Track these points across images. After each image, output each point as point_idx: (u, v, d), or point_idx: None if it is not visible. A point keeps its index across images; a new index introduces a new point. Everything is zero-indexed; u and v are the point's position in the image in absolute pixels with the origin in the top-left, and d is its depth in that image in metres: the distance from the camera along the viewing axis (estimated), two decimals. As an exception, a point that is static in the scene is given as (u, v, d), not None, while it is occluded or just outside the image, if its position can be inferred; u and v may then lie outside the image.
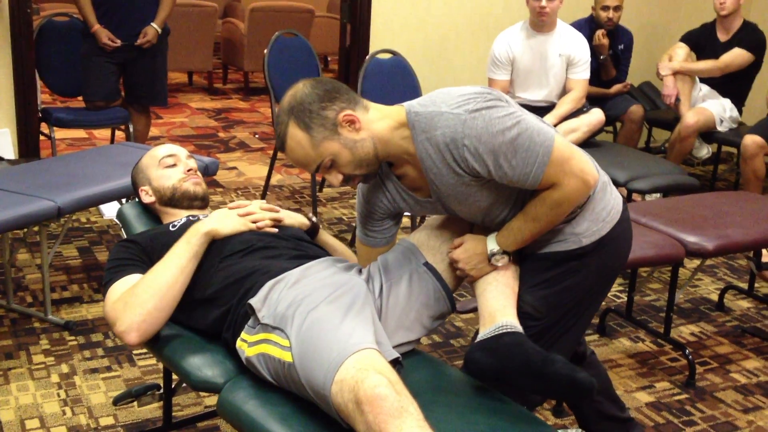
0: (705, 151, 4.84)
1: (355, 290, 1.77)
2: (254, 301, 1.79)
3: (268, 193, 4.66)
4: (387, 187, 1.90)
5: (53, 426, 2.43)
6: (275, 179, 4.96)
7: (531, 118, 1.73)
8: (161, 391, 2.26)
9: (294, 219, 2.14)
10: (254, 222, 2.03)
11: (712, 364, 3.02)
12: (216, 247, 1.95)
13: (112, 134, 5.02)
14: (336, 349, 1.54)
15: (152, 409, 2.50)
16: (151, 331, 1.85)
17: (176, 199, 2.21)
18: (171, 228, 2.08)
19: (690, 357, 2.91)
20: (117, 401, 2.28)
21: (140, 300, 1.83)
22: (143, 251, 2.01)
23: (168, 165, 2.25)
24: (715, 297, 3.58)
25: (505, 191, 1.80)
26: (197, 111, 6.91)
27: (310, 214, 2.20)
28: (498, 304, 1.80)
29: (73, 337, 2.96)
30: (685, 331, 3.28)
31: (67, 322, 3.03)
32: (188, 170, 2.24)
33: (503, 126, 1.67)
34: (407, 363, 1.76)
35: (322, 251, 2.06)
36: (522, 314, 1.84)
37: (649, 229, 2.87)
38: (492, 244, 1.84)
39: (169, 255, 1.90)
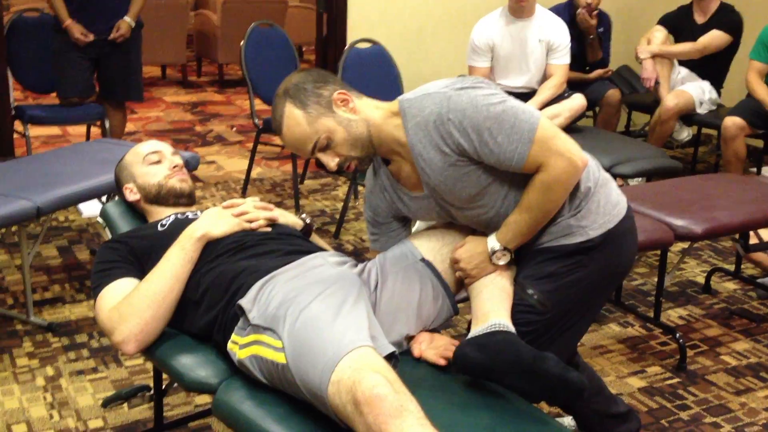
0: (685, 133, 4.84)
1: (348, 285, 1.73)
2: (244, 302, 1.74)
3: (248, 186, 4.60)
4: (385, 186, 1.90)
5: (41, 430, 2.38)
6: (255, 172, 4.90)
7: (515, 100, 1.74)
8: (151, 392, 2.22)
9: (288, 218, 2.10)
10: (249, 221, 1.98)
11: (702, 347, 3.02)
12: (207, 247, 1.91)
13: (88, 131, 4.94)
14: (330, 349, 1.51)
15: (142, 410, 2.45)
16: (148, 340, 1.82)
17: (162, 197, 2.16)
18: (160, 228, 2.03)
19: (681, 341, 2.91)
20: (106, 404, 2.24)
21: (136, 310, 1.79)
22: (131, 252, 1.96)
23: (153, 162, 2.20)
24: (701, 280, 3.59)
25: (495, 177, 1.77)
26: (172, 105, 6.82)
27: (304, 215, 2.16)
28: (492, 306, 1.78)
29: (56, 339, 2.91)
30: (673, 314, 3.28)
31: (50, 324, 2.97)
32: (174, 167, 2.19)
33: (488, 102, 1.68)
34: (405, 359, 1.73)
35: (315, 247, 2.02)
36: (526, 308, 1.82)
37: (637, 214, 2.82)
38: (492, 241, 1.82)
39: (164, 262, 1.86)
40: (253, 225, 1.98)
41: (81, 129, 5.29)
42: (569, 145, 1.73)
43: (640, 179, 3.99)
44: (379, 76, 4.30)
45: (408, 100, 1.77)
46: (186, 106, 6.80)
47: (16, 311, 3.08)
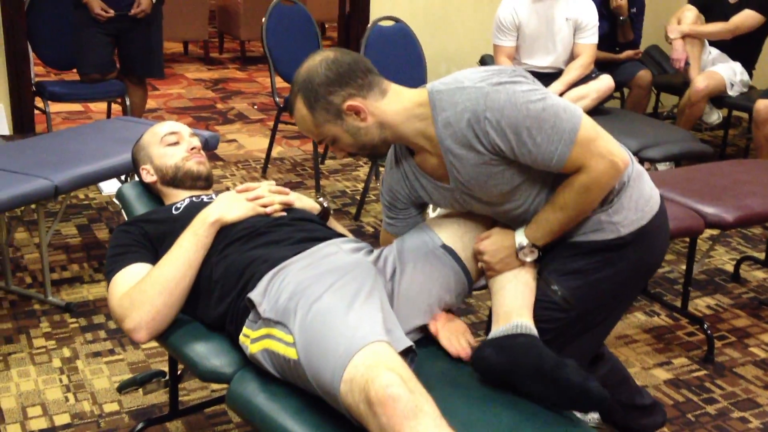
0: (716, 116, 4.72)
1: (362, 275, 1.67)
2: (254, 295, 1.69)
3: (269, 166, 4.55)
4: (406, 174, 1.83)
5: (56, 413, 2.36)
6: (276, 151, 4.85)
7: (556, 96, 1.64)
8: (167, 377, 2.19)
9: (304, 202, 2.05)
10: (264, 206, 1.93)
11: (730, 338, 2.95)
12: (220, 233, 1.86)
13: (108, 107, 4.91)
14: (343, 345, 1.45)
15: (158, 395, 2.42)
16: (160, 328, 1.78)
17: (179, 179, 2.11)
18: (174, 211, 1.98)
19: (708, 332, 2.83)
20: (121, 389, 2.21)
21: (148, 297, 1.75)
22: (145, 236, 1.92)
23: (170, 143, 2.15)
24: (730, 268, 3.50)
25: (528, 176, 1.69)
26: (194, 82, 6.77)
27: (321, 199, 2.10)
28: (515, 304, 1.71)
29: (74, 320, 2.88)
30: (701, 303, 3.20)
31: (67, 304, 2.95)
32: (191, 148, 2.14)
33: (527, 99, 1.58)
34: (422, 353, 1.67)
35: (331, 232, 1.96)
36: (550, 304, 1.75)
37: (666, 200, 2.74)
38: (521, 237, 1.75)
39: (176, 248, 1.81)
40: (268, 210, 1.92)
41: (103, 105, 5.26)
42: (611, 146, 1.64)
43: (668, 164, 3.89)
44: (401, 54, 4.22)
45: (439, 91, 1.66)
46: (207, 83, 6.75)
47: (34, 290, 3.06)
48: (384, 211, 1.95)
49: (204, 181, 2.12)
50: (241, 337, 1.70)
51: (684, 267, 2.98)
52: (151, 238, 1.92)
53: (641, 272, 1.86)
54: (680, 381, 2.66)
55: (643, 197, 1.79)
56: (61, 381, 2.51)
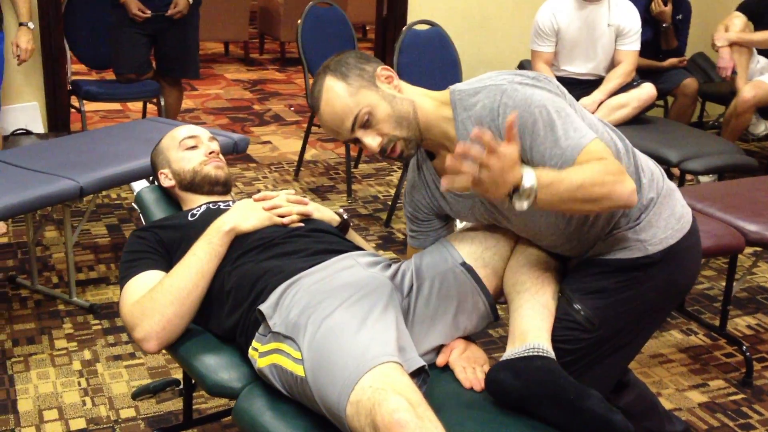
0: (762, 127, 4.57)
1: (378, 290, 1.60)
2: (264, 307, 1.63)
3: (302, 168, 4.52)
4: (427, 182, 1.76)
5: (72, 418, 2.33)
6: (310, 154, 4.81)
7: (575, 114, 1.55)
8: (180, 386, 2.14)
9: (323, 213, 1.97)
10: (281, 216, 1.87)
11: (771, 360, 2.82)
12: (235, 242, 1.81)
13: (144, 107, 4.91)
14: (351, 365, 1.38)
15: (175, 402, 2.39)
16: (171, 338, 1.73)
17: (197, 184, 2.06)
18: (190, 218, 1.93)
19: (747, 353, 2.71)
20: (135, 396, 2.18)
21: (159, 306, 1.70)
22: (159, 242, 1.88)
23: (189, 147, 2.10)
24: (773, 286, 3.37)
25: None
26: (233, 82, 6.77)
27: (341, 210, 2.03)
28: (532, 325, 1.61)
29: (97, 321, 2.87)
30: (741, 323, 3.07)
31: (92, 305, 2.93)
32: (210, 153, 2.10)
33: (543, 104, 1.51)
34: (435, 373, 1.60)
35: (349, 244, 1.89)
36: (572, 324, 1.66)
37: (705, 216, 2.66)
38: (528, 173, 1.44)
39: (190, 256, 1.76)
40: (285, 220, 1.86)
41: (140, 104, 5.28)
42: (617, 173, 1.48)
43: (711, 176, 3.76)
44: (436, 59, 4.14)
45: (460, 91, 1.62)
46: (246, 83, 6.75)
47: (60, 290, 3.05)
48: (408, 225, 1.88)
49: (222, 186, 2.07)
50: (250, 351, 1.64)
51: (724, 284, 2.86)
52: (165, 244, 1.88)
53: (670, 294, 1.76)
54: (716, 405, 2.55)
55: (674, 215, 1.69)
56: (79, 384, 2.49)
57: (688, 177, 3.76)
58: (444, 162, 1.68)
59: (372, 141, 1.61)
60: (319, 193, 4.24)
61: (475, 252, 1.74)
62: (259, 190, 4.21)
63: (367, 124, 1.61)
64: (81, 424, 2.30)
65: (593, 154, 1.48)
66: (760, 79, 4.47)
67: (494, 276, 1.74)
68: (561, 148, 1.49)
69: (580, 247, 1.70)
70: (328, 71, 1.63)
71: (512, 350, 1.58)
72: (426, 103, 1.64)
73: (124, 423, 2.31)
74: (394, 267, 1.79)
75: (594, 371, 1.68)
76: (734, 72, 4.49)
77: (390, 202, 4.00)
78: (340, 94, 1.60)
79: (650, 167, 1.73)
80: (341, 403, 1.36)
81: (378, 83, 1.62)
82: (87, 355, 2.65)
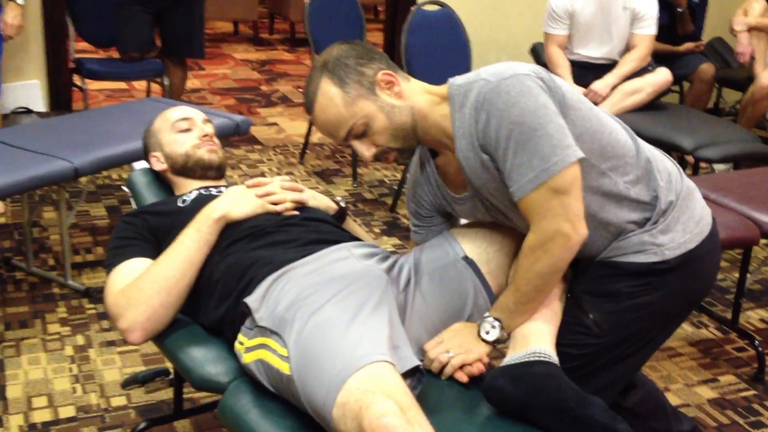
0: (780, 115, 4.45)
1: (371, 284, 1.52)
2: (251, 300, 1.55)
3: (307, 151, 4.43)
4: (429, 178, 1.68)
5: (61, 405, 2.27)
6: (316, 137, 4.72)
7: (565, 131, 1.45)
8: (171, 376, 2.08)
9: (319, 201, 1.88)
10: (274, 203, 1.78)
11: (784, 355, 2.73)
12: (225, 230, 1.73)
13: (148, 87, 4.83)
14: (339, 364, 1.30)
15: (168, 390, 2.32)
16: (157, 329, 1.65)
17: (189, 168, 1.98)
18: (180, 203, 1.86)
19: (760, 349, 2.62)
20: (125, 386, 2.11)
21: (145, 296, 1.63)
22: (149, 229, 1.80)
23: (181, 129, 2.02)
24: (788, 279, 3.27)
25: None
26: (241, 62, 6.68)
27: (338, 198, 1.95)
28: (535, 327, 1.53)
29: (92, 306, 2.80)
30: (753, 316, 2.98)
31: (87, 289, 2.87)
32: (203, 136, 2.01)
33: (520, 120, 1.42)
34: (431, 374, 1.52)
35: (346, 234, 1.81)
36: (579, 327, 1.58)
37: (720, 206, 2.56)
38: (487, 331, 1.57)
39: (177, 244, 1.68)
40: (278, 208, 1.77)
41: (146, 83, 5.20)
42: (575, 213, 1.46)
43: (726, 165, 3.66)
44: (446, 40, 4.03)
45: (458, 85, 1.53)
46: (254, 64, 6.66)
47: (56, 273, 2.99)
48: (410, 220, 1.80)
49: (215, 171, 1.99)
50: (236, 344, 1.56)
51: (737, 275, 2.77)
52: (154, 231, 1.81)
53: (685, 301, 1.67)
54: (726, 401, 2.46)
55: (693, 218, 1.60)
56: (71, 370, 2.43)
57: (702, 165, 3.66)
58: (446, 160, 1.61)
59: (366, 151, 1.56)
60: (324, 177, 4.16)
61: (479, 247, 1.66)
62: (263, 173, 4.14)
63: (362, 135, 1.54)
64: (70, 412, 2.24)
65: (566, 183, 1.43)
66: (778, 65, 4.35)
67: (498, 273, 1.65)
68: (515, 179, 1.45)
69: (592, 250, 1.61)
70: (326, 72, 1.54)
71: (513, 355, 1.50)
72: (425, 103, 1.56)
73: (114, 412, 2.25)
74: (391, 259, 1.70)
75: (599, 378, 1.60)
76: (752, 58, 4.37)
77: (396, 187, 3.92)
78: (336, 103, 1.52)
79: (667, 168, 1.63)
80: (327, 404, 1.28)
81: (378, 91, 1.53)
82: (80, 340, 2.59)
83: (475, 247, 1.66)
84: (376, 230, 3.54)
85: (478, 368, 1.55)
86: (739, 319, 2.81)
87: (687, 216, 1.60)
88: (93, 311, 2.77)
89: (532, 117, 1.42)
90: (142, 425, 2.10)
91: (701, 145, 3.39)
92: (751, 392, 2.52)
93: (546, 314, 1.55)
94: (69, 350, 2.54)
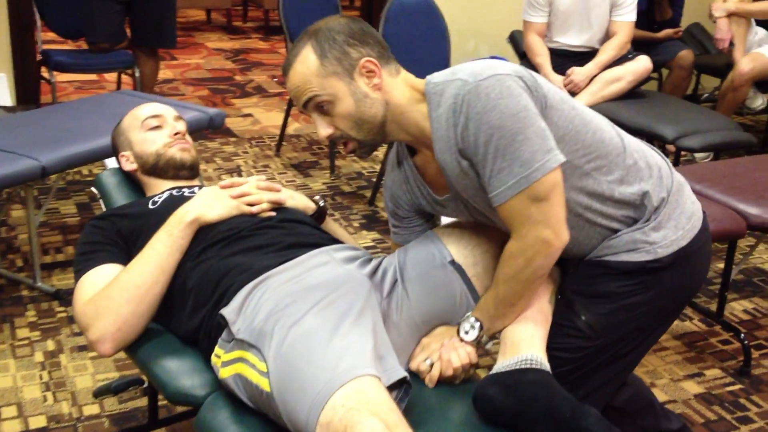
0: (759, 101, 4.44)
1: (353, 291, 1.45)
2: (227, 312, 1.48)
3: (283, 143, 4.35)
4: (408, 179, 1.61)
5: (32, 415, 2.19)
6: (292, 128, 4.64)
7: (546, 134, 1.39)
8: (144, 385, 2.00)
9: (297, 201, 1.81)
10: (250, 205, 1.70)
11: (768, 347, 2.71)
12: (199, 234, 1.65)
13: (118, 79, 4.71)
14: (322, 380, 1.23)
15: (143, 398, 2.24)
16: (128, 340, 1.58)
17: (160, 168, 1.90)
18: (151, 205, 1.78)
19: (745, 342, 2.59)
20: (97, 395, 2.03)
21: (115, 305, 1.55)
22: (117, 232, 1.72)
23: (152, 127, 1.94)
24: (770, 268, 3.25)
25: None
26: (214, 52, 6.56)
27: (317, 197, 1.87)
28: (525, 333, 1.48)
29: (62, 308, 2.71)
30: (737, 307, 2.95)
31: (57, 291, 2.78)
32: (175, 134, 1.93)
33: (498, 124, 1.36)
34: (418, 383, 1.46)
35: (325, 236, 1.74)
36: (571, 330, 1.53)
37: (704, 198, 2.52)
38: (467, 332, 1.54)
39: (148, 249, 1.60)
40: (254, 209, 1.70)
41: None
42: (557, 219, 1.42)
43: (706, 153, 3.62)
44: (424, 29, 3.95)
45: (434, 83, 1.46)
46: (228, 53, 6.54)
47: (24, 275, 2.89)
48: (389, 220, 1.73)
49: (188, 171, 1.91)
50: (213, 357, 1.49)
51: (721, 266, 2.73)
52: (124, 235, 1.72)
53: (679, 298, 1.62)
54: (712, 396, 2.43)
55: (684, 214, 1.55)
56: (41, 378, 2.34)
57: (684, 154, 3.62)
58: (425, 159, 1.54)
59: (323, 129, 1.49)
60: (301, 170, 4.08)
61: (465, 248, 1.60)
62: (238, 166, 4.05)
63: (322, 111, 1.47)
64: (41, 422, 2.16)
65: (546, 189, 1.39)
66: (758, 52, 4.32)
67: (485, 276, 1.59)
68: (494, 185, 1.40)
69: (581, 249, 1.56)
70: (312, 39, 1.47)
71: (503, 362, 1.44)
72: (406, 99, 1.49)
73: (87, 421, 2.17)
74: (374, 262, 1.64)
75: (592, 381, 1.55)
76: (731, 44, 4.34)
77: (375, 179, 3.85)
78: (311, 70, 1.46)
79: (657, 163, 1.58)
80: (310, 423, 1.21)
81: (356, 76, 1.46)
82: (50, 345, 2.50)
83: (461, 249, 1.60)
84: (355, 224, 3.47)
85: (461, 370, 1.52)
86: (724, 310, 2.77)
87: (678, 212, 1.56)
88: (64, 314, 2.68)
89: (512, 121, 1.36)
90: (116, 436, 2.02)
91: (683, 134, 3.35)
92: (738, 386, 2.48)
93: (536, 317, 1.50)
94: (39, 356, 2.45)
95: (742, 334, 2.63)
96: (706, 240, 1.62)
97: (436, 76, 1.48)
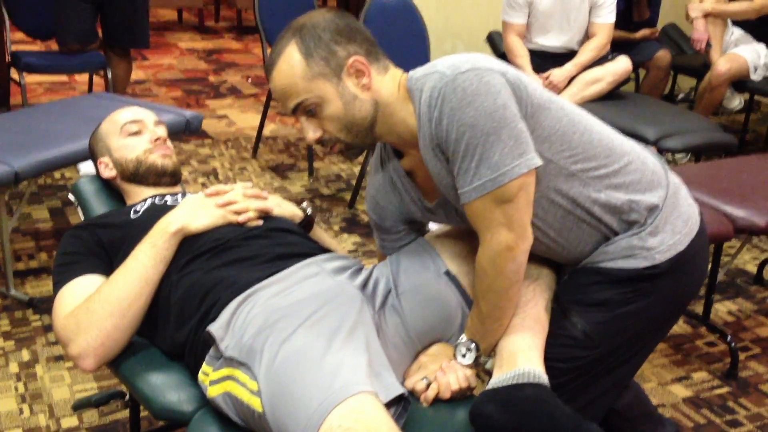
0: (737, 101, 4.45)
1: (345, 304, 1.40)
2: (215, 328, 1.42)
3: (260, 145, 4.28)
4: (395, 183, 1.55)
5: (7, 428, 2.11)
6: (269, 129, 4.57)
7: (521, 136, 1.34)
8: (126, 398, 1.94)
9: (284, 209, 1.75)
10: (236, 213, 1.65)
11: (754, 349, 2.70)
12: (183, 244, 1.59)
13: (90, 80, 4.61)
14: (317, 398, 1.18)
15: (124, 410, 2.18)
16: (110, 354, 1.52)
17: (141, 175, 1.84)
18: (133, 215, 1.71)
19: (732, 345, 2.58)
20: (76, 408, 1.96)
21: (97, 319, 1.48)
22: (98, 242, 1.65)
23: (131, 132, 1.87)
24: (753, 269, 3.25)
25: None
26: (187, 52, 6.47)
27: (305, 204, 1.82)
28: (522, 343, 1.43)
29: (37, 317, 2.63)
30: (721, 309, 2.95)
31: (31, 299, 2.70)
32: (155, 139, 1.87)
33: (473, 123, 1.31)
34: (414, 400, 1.42)
35: (314, 246, 1.69)
36: (568, 340, 1.49)
37: (691, 201, 2.50)
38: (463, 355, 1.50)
39: (131, 261, 1.54)
40: (241, 218, 1.64)
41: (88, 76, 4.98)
42: (521, 223, 1.38)
43: (685, 154, 3.62)
44: (403, 30, 3.92)
45: (415, 79, 1.41)
46: (201, 53, 6.45)
47: (-4, 283, 2.81)
48: (374, 231, 1.67)
49: (170, 177, 1.85)
50: (200, 375, 1.43)
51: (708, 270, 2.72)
52: (105, 245, 1.66)
53: (677, 304, 1.59)
54: (701, 400, 2.42)
55: (681, 217, 1.52)
56: (16, 389, 2.27)
57: (666, 155, 3.62)
58: (414, 163, 1.49)
59: (311, 132, 1.43)
60: (279, 172, 4.01)
61: (458, 257, 1.55)
62: (214, 169, 3.98)
63: (310, 114, 1.42)
64: (17, 436, 2.09)
65: (513, 192, 1.34)
66: (734, 52, 4.33)
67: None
68: (461, 183, 1.36)
69: (573, 254, 1.52)
70: (297, 36, 1.40)
71: (500, 376, 1.40)
72: (394, 99, 1.43)
73: (66, 435, 2.11)
74: (365, 273, 1.58)
75: (590, 391, 1.51)
76: (708, 44, 4.34)
77: (354, 182, 3.80)
78: (296, 72, 1.39)
79: (651, 165, 1.55)
80: None
81: (344, 76, 1.40)
82: (25, 355, 2.43)
83: (455, 258, 1.55)
84: (335, 228, 3.42)
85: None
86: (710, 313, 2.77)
87: (675, 215, 1.52)
88: (38, 323, 2.60)
89: (486, 120, 1.31)
90: (96, 451, 1.96)
91: (665, 135, 3.34)
92: (725, 389, 2.47)
93: (533, 326, 1.46)
94: (14, 367, 2.37)
95: (729, 337, 2.62)
96: (704, 243, 1.59)
97: (419, 71, 1.42)
